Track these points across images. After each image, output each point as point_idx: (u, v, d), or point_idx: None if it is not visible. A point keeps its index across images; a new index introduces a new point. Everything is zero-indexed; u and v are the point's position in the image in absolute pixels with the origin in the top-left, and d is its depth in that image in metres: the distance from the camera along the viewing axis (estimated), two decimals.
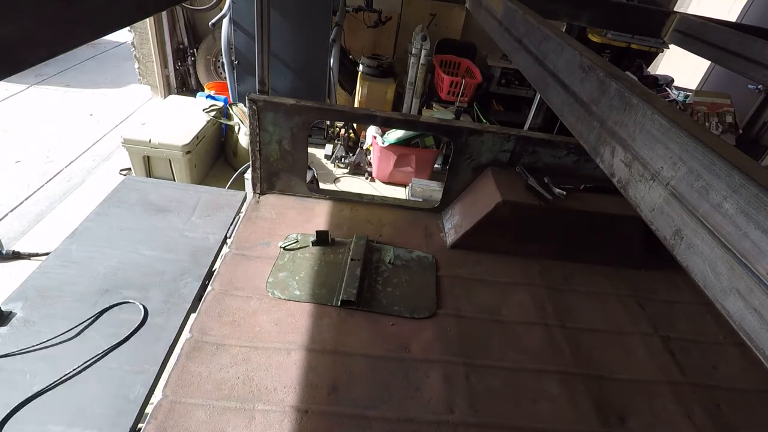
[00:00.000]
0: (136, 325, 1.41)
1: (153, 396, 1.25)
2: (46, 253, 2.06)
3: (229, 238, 1.86)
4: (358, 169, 4.18)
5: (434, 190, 3.56)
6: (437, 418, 1.27)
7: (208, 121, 3.63)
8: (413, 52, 4.10)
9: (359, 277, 1.64)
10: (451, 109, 4.05)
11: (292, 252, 1.75)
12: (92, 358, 1.30)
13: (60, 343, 1.34)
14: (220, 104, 3.91)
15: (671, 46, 3.61)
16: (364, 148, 4.14)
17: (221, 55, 4.09)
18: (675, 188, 0.47)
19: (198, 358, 1.32)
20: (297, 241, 1.79)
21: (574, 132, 0.71)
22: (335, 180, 4.11)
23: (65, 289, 1.50)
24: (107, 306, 1.46)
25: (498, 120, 4.22)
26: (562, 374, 1.46)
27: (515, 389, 1.40)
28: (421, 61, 4.12)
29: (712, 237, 0.41)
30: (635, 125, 0.54)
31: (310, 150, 3.66)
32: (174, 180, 3.39)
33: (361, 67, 4.23)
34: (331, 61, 3.92)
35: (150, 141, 3.25)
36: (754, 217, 0.37)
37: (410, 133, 3.64)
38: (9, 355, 1.28)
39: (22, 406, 1.17)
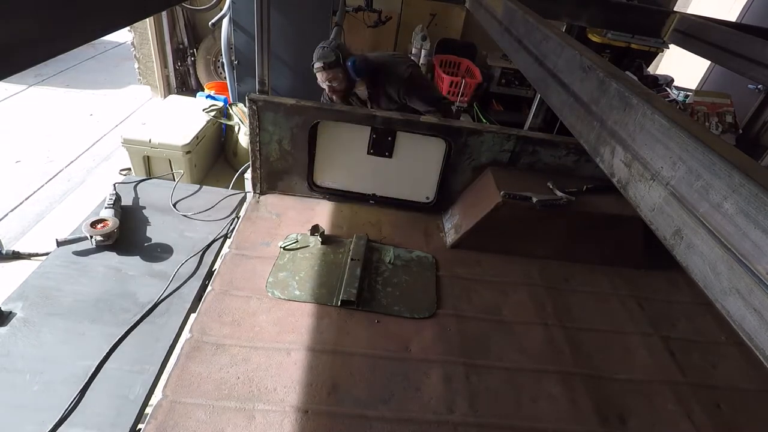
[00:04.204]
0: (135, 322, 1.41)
1: (153, 396, 1.25)
2: (46, 253, 2.06)
3: (229, 238, 1.86)
4: None
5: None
6: (437, 418, 1.27)
7: (208, 121, 3.63)
8: (413, 52, 4.10)
9: (359, 277, 1.64)
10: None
11: (292, 252, 1.75)
12: (93, 358, 1.30)
13: (60, 343, 1.34)
14: (220, 104, 3.91)
15: (671, 46, 3.61)
16: None
17: (221, 55, 4.09)
18: (675, 188, 0.47)
19: (198, 358, 1.32)
20: (297, 241, 1.79)
21: (574, 132, 0.71)
22: None
23: (65, 289, 1.50)
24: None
25: (498, 120, 4.21)
26: (562, 374, 1.46)
27: (515, 389, 1.40)
28: (421, 61, 4.12)
29: (712, 237, 0.41)
30: (635, 125, 0.54)
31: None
32: (174, 180, 3.39)
33: None
34: None
35: (150, 141, 3.24)
36: (754, 217, 0.37)
37: None
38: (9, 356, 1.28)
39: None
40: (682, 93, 3.86)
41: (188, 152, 3.32)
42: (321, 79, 2.28)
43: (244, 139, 3.66)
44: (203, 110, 3.72)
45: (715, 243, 0.41)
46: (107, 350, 1.32)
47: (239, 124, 3.70)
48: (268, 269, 1.66)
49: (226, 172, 3.88)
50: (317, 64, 2.23)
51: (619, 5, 1.85)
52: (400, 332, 1.51)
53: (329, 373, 1.33)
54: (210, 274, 1.67)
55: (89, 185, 3.62)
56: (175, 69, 4.87)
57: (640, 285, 1.89)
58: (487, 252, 1.91)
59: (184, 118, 3.58)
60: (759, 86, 3.95)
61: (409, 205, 2.14)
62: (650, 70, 4.48)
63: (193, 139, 3.36)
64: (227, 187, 2.32)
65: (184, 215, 1.92)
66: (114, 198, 1.81)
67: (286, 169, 2.02)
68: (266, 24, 1.76)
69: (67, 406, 1.17)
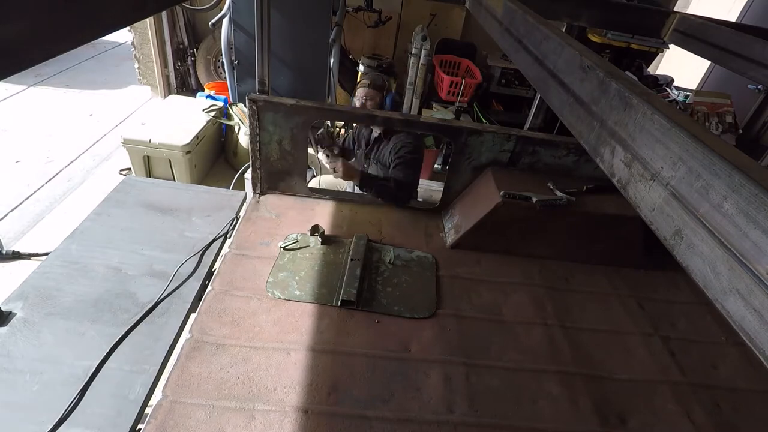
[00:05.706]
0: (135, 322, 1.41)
1: (153, 396, 1.25)
2: (46, 253, 2.06)
3: (229, 238, 1.86)
4: None
5: (434, 190, 3.56)
6: (437, 418, 1.27)
7: (208, 121, 3.63)
8: (413, 52, 4.09)
9: (359, 277, 1.64)
10: (451, 109, 4.05)
11: (292, 252, 1.75)
12: (93, 358, 1.30)
13: (60, 343, 1.34)
14: (220, 104, 3.91)
15: (671, 46, 3.61)
16: None
17: (221, 55, 4.09)
18: (675, 188, 0.47)
19: (198, 358, 1.32)
20: (297, 241, 1.79)
21: (574, 132, 0.71)
22: None
23: (65, 289, 1.50)
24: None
25: (498, 120, 4.21)
26: (562, 374, 1.46)
27: (515, 389, 1.40)
28: (421, 61, 4.11)
29: (712, 237, 0.41)
30: (635, 125, 0.54)
31: (310, 150, 3.66)
32: (174, 180, 3.39)
33: (361, 67, 4.23)
34: (331, 61, 3.92)
35: (150, 141, 3.24)
36: (754, 217, 0.37)
37: None
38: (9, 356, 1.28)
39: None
40: (682, 93, 3.86)
41: (188, 152, 3.32)
42: (360, 94, 2.41)
43: (244, 139, 3.67)
44: (203, 110, 3.72)
45: (715, 243, 0.41)
46: (107, 350, 1.32)
47: (239, 124, 3.70)
48: (268, 269, 1.66)
49: (226, 172, 3.88)
50: (364, 81, 2.41)
51: (619, 5, 1.85)
52: (400, 332, 1.51)
53: (329, 373, 1.33)
54: (210, 274, 1.67)
55: (89, 185, 3.62)
56: (175, 69, 4.87)
57: (640, 285, 1.89)
58: (487, 252, 1.91)
59: (184, 118, 3.58)
60: (759, 86, 3.95)
61: (409, 206, 2.14)
62: (650, 70, 4.48)
63: (193, 139, 3.36)
64: (227, 187, 2.32)
65: (184, 215, 1.92)
66: None
67: (286, 169, 2.02)
68: (266, 24, 1.76)
69: (67, 406, 1.17)
